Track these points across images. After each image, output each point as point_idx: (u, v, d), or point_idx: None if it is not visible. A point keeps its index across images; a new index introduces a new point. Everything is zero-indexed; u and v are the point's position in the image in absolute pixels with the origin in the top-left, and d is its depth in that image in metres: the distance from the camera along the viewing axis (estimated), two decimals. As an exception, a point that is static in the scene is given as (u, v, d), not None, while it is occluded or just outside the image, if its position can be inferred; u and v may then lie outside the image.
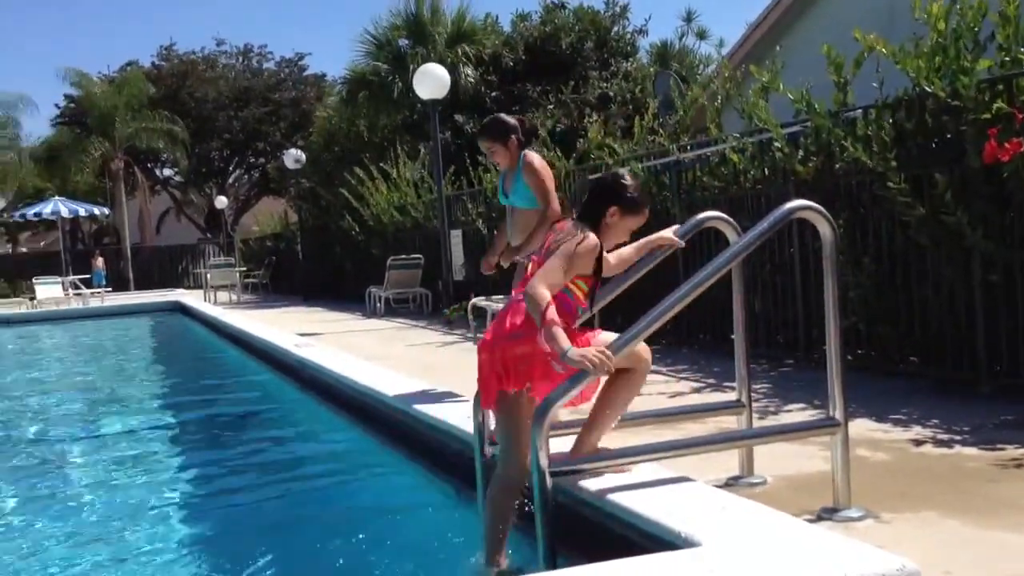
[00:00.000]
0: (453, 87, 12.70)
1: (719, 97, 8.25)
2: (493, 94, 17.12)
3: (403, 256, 13.91)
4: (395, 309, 13.89)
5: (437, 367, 7.30)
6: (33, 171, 35.67)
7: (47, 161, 35.60)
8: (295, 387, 7.76)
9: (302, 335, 10.13)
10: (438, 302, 13.10)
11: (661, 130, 9.10)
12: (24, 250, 42.25)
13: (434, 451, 4.50)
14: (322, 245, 20.37)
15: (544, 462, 2.73)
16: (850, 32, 5.81)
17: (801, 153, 6.29)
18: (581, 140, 12.01)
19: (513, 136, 4.94)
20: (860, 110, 5.77)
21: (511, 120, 5.05)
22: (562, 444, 3.25)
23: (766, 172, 6.81)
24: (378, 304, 13.97)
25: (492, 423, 3.40)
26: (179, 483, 5.05)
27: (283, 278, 24.15)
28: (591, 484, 2.86)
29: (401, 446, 5.05)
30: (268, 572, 3.49)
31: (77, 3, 76.95)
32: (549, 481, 2.74)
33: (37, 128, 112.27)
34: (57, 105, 38.55)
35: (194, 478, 5.18)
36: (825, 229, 3.01)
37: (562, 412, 3.06)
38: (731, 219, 3.47)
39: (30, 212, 27.87)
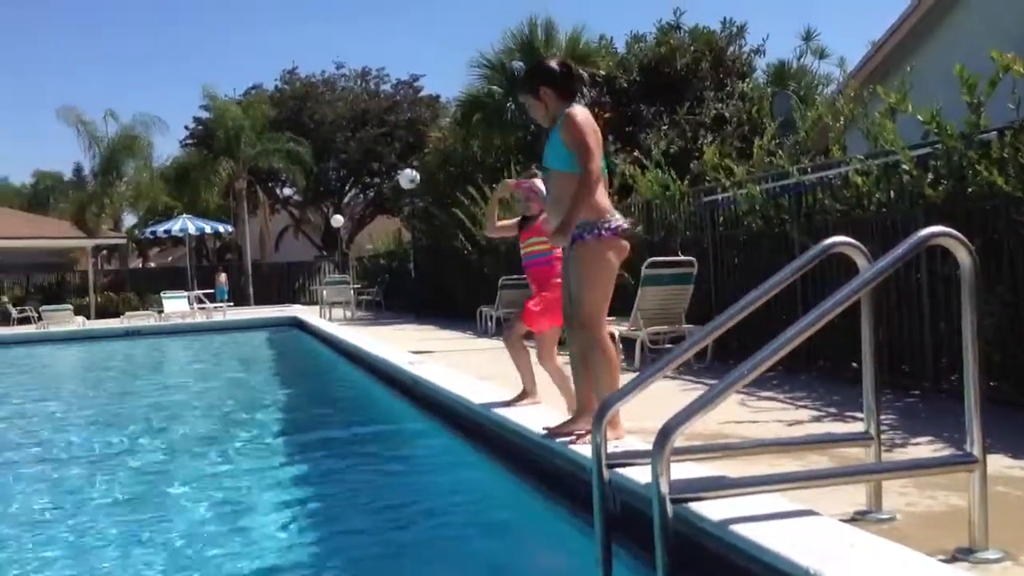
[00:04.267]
0: (567, 109, 12.73)
1: (842, 117, 8.03)
2: (606, 115, 17.09)
3: (515, 276, 13.95)
4: (506, 329, 13.93)
5: (548, 387, 7.28)
6: (163, 190, 37.36)
7: (176, 180, 37.28)
8: (408, 404, 7.87)
9: (415, 352, 10.28)
10: (548, 322, 13.09)
11: (780, 151, 8.92)
12: (153, 265, 44.29)
13: (547, 471, 4.49)
14: (435, 264, 20.67)
15: (664, 488, 2.69)
16: (976, 54, 5.59)
17: (930, 176, 6.07)
18: (695, 162, 11.90)
19: (546, 87, 4.39)
20: (995, 132, 5.54)
21: (548, 66, 4.47)
22: (683, 470, 3.20)
23: (892, 195, 6.60)
24: (489, 323, 14.06)
25: (611, 445, 3.38)
26: (288, 496, 5.14)
27: (396, 296, 24.60)
28: (713, 513, 2.80)
29: (513, 465, 5.06)
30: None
31: (204, 29, 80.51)
32: (669, 508, 2.70)
33: (167, 149, 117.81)
34: (187, 127, 40.49)
35: (303, 489, 5.28)
36: (963, 256, 2.88)
37: (683, 439, 3.00)
38: (860, 244, 3.36)
39: (160, 229, 29.17)
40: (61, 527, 4.67)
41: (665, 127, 16.40)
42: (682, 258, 8.87)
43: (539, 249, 5.52)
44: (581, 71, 4.41)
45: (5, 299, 28.42)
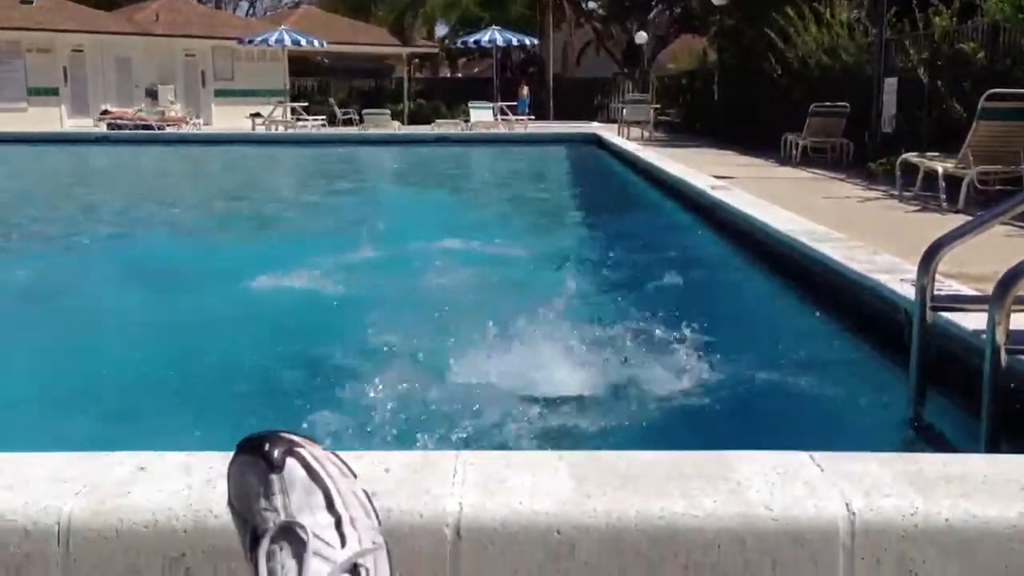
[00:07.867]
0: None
1: None
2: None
3: (827, 103, 13.15)
4: (811, 158, 13.29)
5: (857, 222, 6.96)
6: (473, 0, 38.13)
7: (485, -9, 37.87)
8: (708, 228, 7.83)
9: (716, 177, 10.11)
10: (860, 154, 12.34)
11: None
12: (459, 75, 45.98)
13: (860, 308, 4.36)
14: (739, 87, 19.85)
15: (1001, 338, 2.55)
16: None
17: None
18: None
19: None
20: None
21: None
22: (1015, 321, 3.00)
23: None
24: (794, 152, 13.47)
25: (936, 287, 3.20)
26: (574, 302, 5.21)
27: (695, 118, 24.03)
28: (1051, 369, 2.62)
29: (819, 300, 4.94)
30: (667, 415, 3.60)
31: None
32: (1004, 358, 2.56)
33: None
34: (497, -63, 40.58)
35: (596, 299, 5.38)
36: None
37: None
38: None
39: (470, 40, 30.02)
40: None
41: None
42: (1030, 91, 7.94)
43: None
44: None
45: (332, 101, 30.81)
